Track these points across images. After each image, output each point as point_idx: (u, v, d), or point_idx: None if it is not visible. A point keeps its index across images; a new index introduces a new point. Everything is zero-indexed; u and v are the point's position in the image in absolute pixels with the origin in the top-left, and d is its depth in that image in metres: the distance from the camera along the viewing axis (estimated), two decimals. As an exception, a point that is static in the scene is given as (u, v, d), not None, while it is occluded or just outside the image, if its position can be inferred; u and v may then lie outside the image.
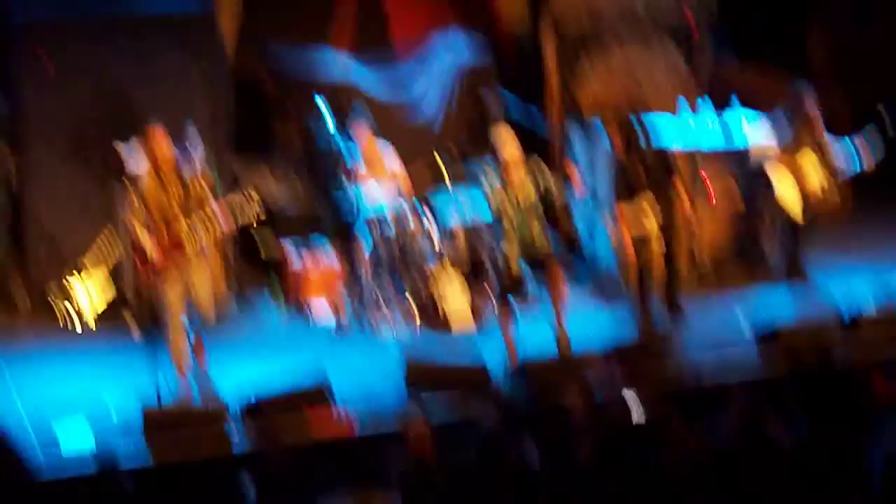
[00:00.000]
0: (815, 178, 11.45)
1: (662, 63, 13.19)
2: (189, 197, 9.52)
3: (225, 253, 11.55)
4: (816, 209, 11.60)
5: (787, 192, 11.51)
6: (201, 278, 9.68)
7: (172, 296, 9.58)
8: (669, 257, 11.11)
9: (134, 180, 9.80)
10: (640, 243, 10.77)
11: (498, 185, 10.02)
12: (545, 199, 10.17)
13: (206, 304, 9.73)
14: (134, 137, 11.28)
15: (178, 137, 11.17)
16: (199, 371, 9.85)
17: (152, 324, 9.86)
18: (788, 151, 11.48)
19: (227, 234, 10.23)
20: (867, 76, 14.86)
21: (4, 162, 11.87)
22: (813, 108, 11.51)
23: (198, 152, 11.24)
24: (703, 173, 12.03)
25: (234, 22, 12.54)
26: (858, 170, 11.52)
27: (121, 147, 11.31)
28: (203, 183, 9.70)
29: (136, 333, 11.22)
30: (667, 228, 10.86)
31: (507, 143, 10.04)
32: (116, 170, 11.52)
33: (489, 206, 10.04)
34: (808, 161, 11.48)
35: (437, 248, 11.40)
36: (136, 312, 11.26)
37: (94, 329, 11.36)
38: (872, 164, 11.46)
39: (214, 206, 9.58)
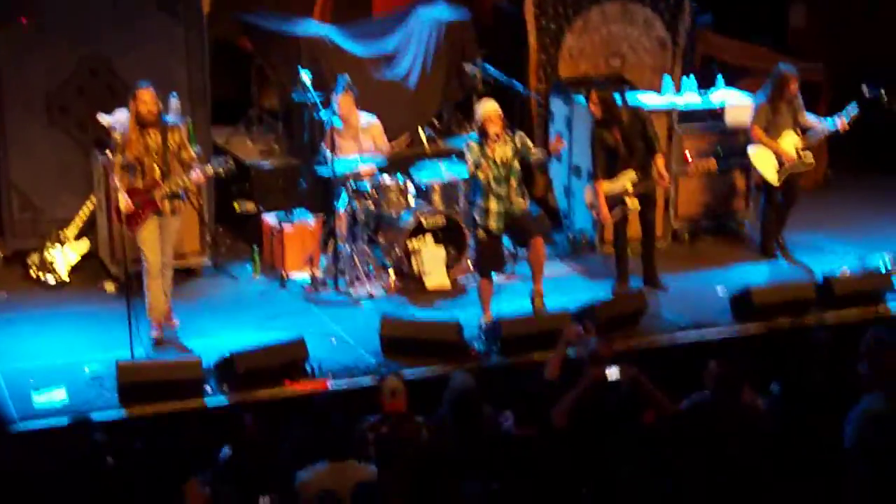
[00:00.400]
0: (793, 152, 11.51)
1: (644, 34, 13.23)
2: (167, 144, 9.88)
3: (202, 213, 11.52)
4: (794, 180, 11.68)
5: (765, 169, 11.57)
6: (176, 227, 10.09)
7: (148, 243, 9.92)
8: (647, 227, 11.23)
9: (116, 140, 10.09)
10: (617, 204, 10.88)
11: (477, 144, 10.01)
12: (523, 159, 10.18)
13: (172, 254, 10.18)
14: (116, 107, 11.36)
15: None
16: (169, 324, 10.14)
17: (126, 279, 9.91)
18: (769, 129, 11.54)
19: (203, 183, 10.66)
20: (847, 50, 14.88)
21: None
22: (795, 88, 11.54)
23: (176, 106, 11.26)
24: (683, 140, 12.01)
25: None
26: (833, 131, 11.58)
27: (102, 117, 11.26)
28: (182, 131, 10.10)
29: (110, 289, 11.24)
30: (644, 196, 10.98)
31: (488, 109, 10.04)
32: (97, 138, 11.53)
33: (468, 162, 10.03)
34: (789, 140, 11.54)
35: (412, 205, 11.37)
36: (112, 267, 11.28)
37: (69, 285, 11.37)
38: (847, 127, 11.50)
39: (191, 152, 10.06)
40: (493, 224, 10.12)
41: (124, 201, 9.78)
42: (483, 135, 9.99)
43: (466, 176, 10.58)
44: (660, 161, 10.89)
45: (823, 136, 11.71)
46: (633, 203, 10.91)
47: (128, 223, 9.89)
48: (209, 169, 10.10)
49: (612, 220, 10.99)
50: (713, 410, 7.53)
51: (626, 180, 10.89)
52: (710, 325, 10.34)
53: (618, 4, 13.10)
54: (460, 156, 10.91)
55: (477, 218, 10.17)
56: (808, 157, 11.62)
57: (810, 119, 11.70)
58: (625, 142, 10.89)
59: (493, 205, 10.08)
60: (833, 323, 10.33)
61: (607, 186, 10.88)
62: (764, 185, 11.77)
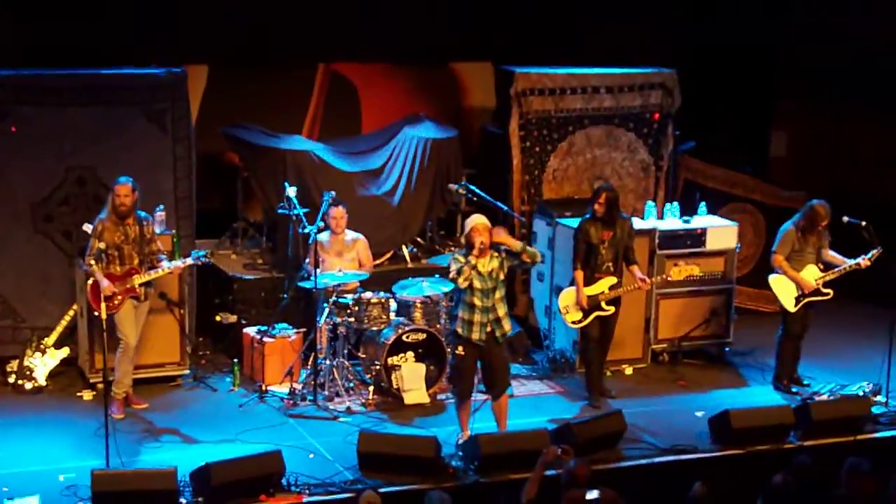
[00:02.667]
0: (813, 283, 11.58)
1: (628, 158, 13.42)
2: (143, 234, 10.70)
3: (183, 324, 11.54)
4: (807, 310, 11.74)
5: (784, 296, 11.66)
6: (145, 311, 10.88)
7: (127, 322, 10.63)
8: (608, 331, 11.40)
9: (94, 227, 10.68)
10: (593, 309, 11.14)
11: (462, 256, 10.04)
12: (519, 265, 10.26)
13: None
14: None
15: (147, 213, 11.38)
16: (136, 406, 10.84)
17: (105, 387, 9.88)
18: (791, 259, 11.63)
19: (181, 271, 11.13)
20: (826, 180, 15.09)
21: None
22: (826, 223, 11.62)
23: (161, 218, 11.38)
24: (665, 262, 12.11)
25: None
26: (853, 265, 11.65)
27: (88, 227, 11.32)
28: (153, 225, 10.90)
29: (87, 397, 11.21)
30: (613, 302, 11.28)
31: (476, 220, 10.11)
32: (81, 248, 11.57)
33: (451, 271, 10.03)
34: (810, 273, 11.62)
35: (393, 321, 11.40)
36: (90, 376, 11.27)
37: (47, 392, 11.35)
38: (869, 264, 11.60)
39: (159, 244, 10.90)
40: (476, 335, 10.04)
41: (107, 285, 10.34)
42: (469, 246, 10.04)
43: (449, 289, 10.55)
44: (636, 269, 11.25)
45: (843, 272, 11.76)
46: (608, 308, 11.20)
47: (107, 306, 10.09)
48: (189, 260, 10.79)
49: (584, 319, 11.21)
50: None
51: (605, 285, 11.19)
52: (690, 448, 10.32)
53: (602, 129, 13.31)
54: (443, 273, 10.99)
55: (459, 330, 10.10)
56: (827, 290, 11.66)
57: (834, 255, 11.75)
58: (610, 244, 11.16)
59: (477, 317, 10.06)
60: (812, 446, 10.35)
61: (587, 290, 11.16)
62: (783, 314, 11.77)
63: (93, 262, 10.45)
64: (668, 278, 11.77)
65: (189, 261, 10.81)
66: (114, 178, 11.70)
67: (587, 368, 11.49)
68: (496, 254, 10.07)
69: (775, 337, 11.91)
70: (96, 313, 10.33)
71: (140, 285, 10.66)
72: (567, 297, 11.30)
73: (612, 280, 11.22)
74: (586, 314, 11.23)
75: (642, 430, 10.67)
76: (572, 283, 11.33)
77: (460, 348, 10.14)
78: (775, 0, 15.57)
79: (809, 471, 8.28)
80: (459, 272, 9.95)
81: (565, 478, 8.16)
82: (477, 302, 10.00)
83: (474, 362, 10.23)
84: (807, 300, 11.62)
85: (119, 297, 10.52)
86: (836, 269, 11.64)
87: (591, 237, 11.19)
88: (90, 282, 10.50)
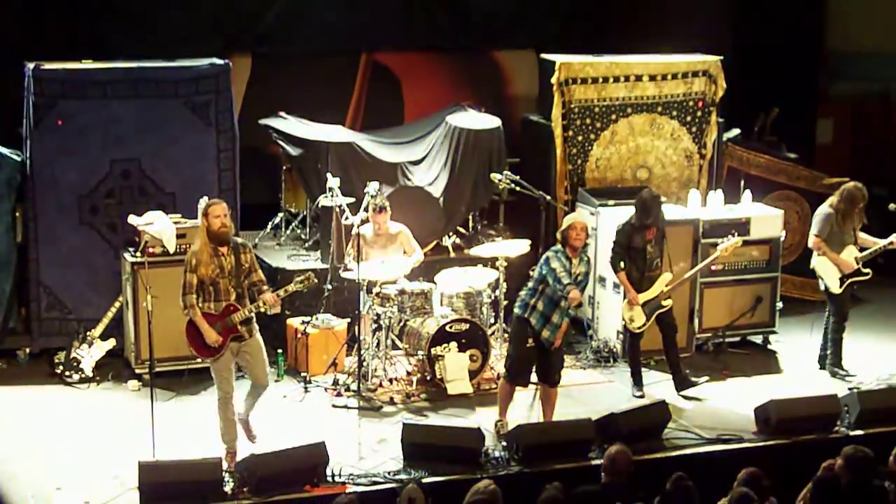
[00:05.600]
0: (853, 263, 11.62)
1: (671, 147, 13.34)
2: (240, 264, 9.52)
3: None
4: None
5: (829, 278, 11.65)
6: (260, 345, 9.71)
7: (223, 373, 9.56)
8: (670, 329, 11.30)
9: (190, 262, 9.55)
10: (655, 311, 11.12)
11: (563, 255, 10.02)
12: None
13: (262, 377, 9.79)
14: (147, 208, 11.59)
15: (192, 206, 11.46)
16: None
17: (151, 378, 9.91)
18: (830, 241, 11.65)
19: (277, 303, 9.62)
20: (872, 166, 14.98)
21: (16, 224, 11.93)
22: (863, 206, 11.70)
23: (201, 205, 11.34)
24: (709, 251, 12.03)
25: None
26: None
27: (133, 219, 11.40)
28: (252, 251, 9.75)
29: (134, 387, 11.30)
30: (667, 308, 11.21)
31: (575, 218, 10.11)
32: (127, 240, 11.66)
33: (554, 268, 9.93)
34: (849, 253, 11.63)
35: (436, 312, 11.41)
36: (137, 367, 11.35)
37: (94, 383, 11.44)
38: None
39: (261, 273, 9.71)
40: (547, 333, 10.09)
41: (213, 336, 9.38)
42: (564, 244, 10.03)
43: (533, 279, 10.37)
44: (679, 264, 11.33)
45: (878, 252, 11.78)
46: (667, 304, 11.19)
47: (207, 354, 9.55)
48: (290, 287, 9.73)
49: (648, 321, 11.16)
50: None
51: (662, 284, 11.15)
52: (735, 438, 10.27)
53: (645, 117, 13.24)
54: (485, 264, 11.03)
55: (533, 321, 10.11)
56: (867, 270, 11.70)
57: (865, 237, 11.79)
58: (656, 241, 11.18)
59: (556, 317, 10.08)
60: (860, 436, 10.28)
61: (645, 296, 11.10)
62: (830, 298, 11.78)
63: (193, 300, 9.38)
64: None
65: (290, 288, 9.73)
66: (158, 170, 11.87)
67: (632, 360, 11.43)
68: (586, 256, 10.11)
69: (825, 323, 11.86)
70: (199, 360, 9.79)
71: (241, 323, 9.51)
72: (626, 308, 11.24)
73: (668, 277, 11.17)
74: (648, 316, 11.16)
75: (687, 419, 10.66)
76: (625, 295, 11.25)
77: (530, 340, 10.15)
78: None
79: (860, 460, 8.21)
80: (566, 271, 9.93)
81: (606, 465, 8.19)
82: (563, 303, 10.01)
83: (536, 355, 10.25)
84: (850, 280, 11.59)
85: (223, 344, 9.45)
86: (872, 251, 11.66)
87: (636, 242, 11.10)
88: (186, 322, 9.50)
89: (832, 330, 11.83)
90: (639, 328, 11.21)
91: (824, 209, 11.74)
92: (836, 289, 11.64)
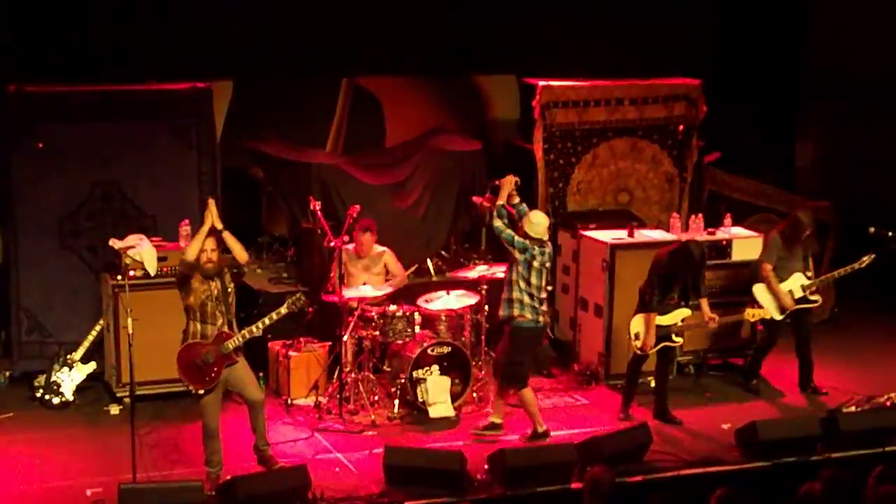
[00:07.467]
0: (790, 303, 11.67)
1: (652, 170, 13.39)
2: (225, 288, 9.64)
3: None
4: (802, 317, 11.81)
5: (768, 304, 11.66)
6: (245, 366, 9.80)
7: (209, 407, 9.64)
8: (668, 362, 11.34)
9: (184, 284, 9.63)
10: (662, 339, 11.05)
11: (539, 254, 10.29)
12: None
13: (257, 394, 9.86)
14: (128, 231, 11.58)
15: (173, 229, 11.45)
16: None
17: (131, 402, 9.88)
18: (778, 268, 11.67)
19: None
20: (851, 189, 15.03)
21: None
22: (810, 233, 11.74)
23: (187, 233, 11.35)
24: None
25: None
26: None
27: (115, 242, 11.37)
28: (228, 274, 9.75)
29: (114, 411, 11.25)
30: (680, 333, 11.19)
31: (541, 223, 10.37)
32: (107, 262, 11.63)
33: (518, 241, 10.27)
34: (796, 281, 11.67)
35: (418, 335, 11.41)
36: (117, 390, 11.31)
37: (74, 407, 11.39)
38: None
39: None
40: (529, 315, 10.29)
41: (213, 360, 9.48)
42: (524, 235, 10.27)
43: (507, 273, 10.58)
44: (706, 304, 11.08)
45: (833, 279, 11.85)
46: (677, 340, 11.11)
47: (201, 384, 9.57)
48: (282, 310, 9.78)
49: (649, 352, 11.09)
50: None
51: (679, 316, 11.06)
52: (716, 460, 10.28)
53: (626, 140, 13.29)
54: (467, 287, 11.10)
55: (529, 315, 10.32)
56: (816, 297, 11.74)
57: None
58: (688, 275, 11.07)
59: (526, 299, 10.28)
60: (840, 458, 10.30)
61: (660, 320, 11.00)
62: (768, 321, 11.79)
63: (198, 326, 9.55)
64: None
65: (283, 310, 9.79)
66: (139, 192, 11.86)
67: (628, 380, 11.31)
68: (548, 250, 10.42)
69: (795, 344, 11.95)
70: (192, 390, 9.60)
71: (235, 350, 9.63)
72: (637, 324, 11.19)
73: (686, 312, 11.08)
74: (657, 342, 11.08)
75: (669, 442, 10.66)
76: (637, 311, 11.16)
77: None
78: (799, 8, 15.54)
79: (840, 483, 8.21)
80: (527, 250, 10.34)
81: (587, 487, 8.19)
82: (534, 289, 10.37)
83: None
84: (797, 307, 11.68)
85: (217, 371, 9.54)
86: (821, 279, 11.79)
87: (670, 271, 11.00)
88: (179, 351, 9.60)
89: (758, 346, 11.96)
90: (639, 349, 11.13)
91: (772, 235, 11.82)
92: (777, 316, 11.68)
